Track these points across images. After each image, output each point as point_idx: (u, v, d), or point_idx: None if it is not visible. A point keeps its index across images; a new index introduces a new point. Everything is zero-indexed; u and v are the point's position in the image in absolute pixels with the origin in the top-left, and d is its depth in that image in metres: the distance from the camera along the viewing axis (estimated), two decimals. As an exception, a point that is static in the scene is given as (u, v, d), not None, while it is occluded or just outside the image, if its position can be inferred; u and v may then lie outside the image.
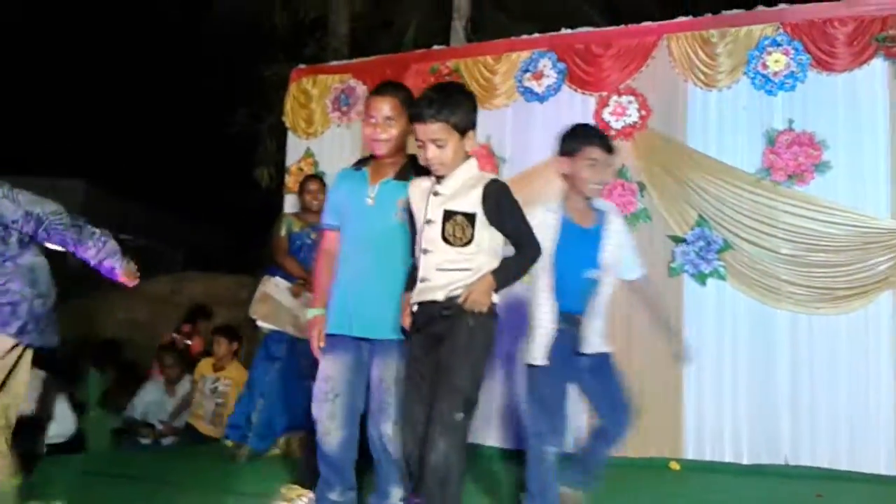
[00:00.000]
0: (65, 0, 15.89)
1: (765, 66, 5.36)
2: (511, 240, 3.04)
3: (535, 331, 3.41)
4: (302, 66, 7.16)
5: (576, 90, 5.88)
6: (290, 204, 6.63)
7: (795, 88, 5.31)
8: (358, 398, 3.33)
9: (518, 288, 3.33)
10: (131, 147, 18.25)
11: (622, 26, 5.93)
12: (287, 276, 5.48)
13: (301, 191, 5.74)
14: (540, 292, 3.41)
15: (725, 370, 5.28)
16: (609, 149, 3.46)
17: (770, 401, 5.17)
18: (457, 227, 2.97)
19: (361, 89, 6.59)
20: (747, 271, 5.30)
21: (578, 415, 4.29)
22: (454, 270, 2.97)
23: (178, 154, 16.91)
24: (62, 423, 5.81)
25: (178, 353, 7.51)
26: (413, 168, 3.28)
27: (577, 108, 5.84)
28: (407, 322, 3.09)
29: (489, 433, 5.70)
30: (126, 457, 6.18)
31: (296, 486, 3.95)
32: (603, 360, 3.48)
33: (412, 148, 3.20)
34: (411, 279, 3.11)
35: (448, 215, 2.99)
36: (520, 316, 3.57)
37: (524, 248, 3.05)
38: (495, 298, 3.00)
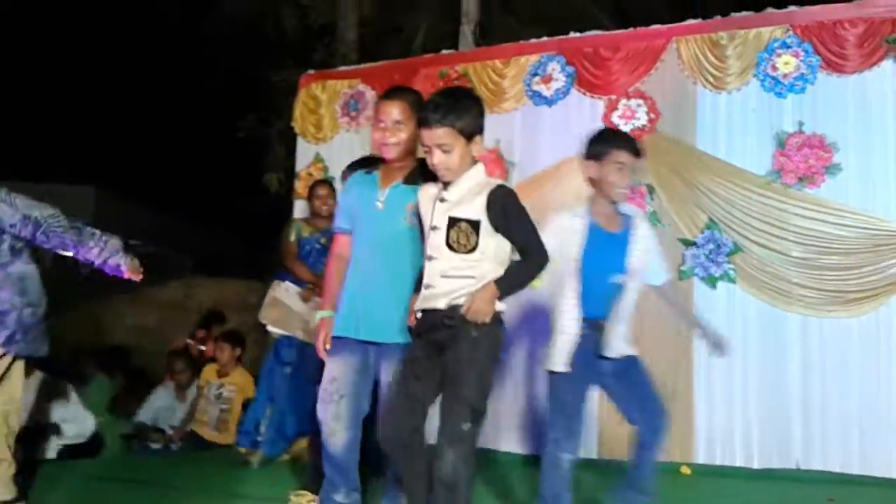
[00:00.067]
0: (75, 7, 15.95)
1: (774, 68, 5.35)
2: (517, 246, 3.00)
3: (558, 336, 3.36)
4: (311, 71, 7.19)
5: (584, 94, 5.88)
6: (299, 209, 6.64)
7: (805, 90, 5.30)
8: (363, 400, 3.33)
9: (541, 293, 3.30)
10: (141, 153, 18.31)
11: (631, 29, 5.93)
12: (297, 281, 5.48)
13: (310, 196, 5.74)
14: (565, 298, 3.36)
15: (736, 374, 5.26)
16: (636, 152, 3.42)
17: (781, 404, 5.15)
18: (461, 234, 2.95)
19: (370, 94, 6.59)
20: (758, 274, 5.28)
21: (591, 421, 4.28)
22: (458, 278, 2.94)
23: (188, 160, 16.95)
24: (80, 424, 5.83)
25: (189, 359, 7.51)
26: (422, 172, 3.28)
27: (585, 111, 5.84)
28: (413, 321, 3.08)
29: (507, 438, 5.67)
30: (136, 462, 6.18)
31: (305, 492, 3.96)
32: (629, 363, 3.42)
33: (422, 152, 3.20)
34: (420, 283, 3.10)
35: (452, 222, 2.96)
36: (543, 320, 3.53)
37: (531, 255, 3.01)
38: (502, 306, 2.98)
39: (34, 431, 5.44)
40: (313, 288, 5.33)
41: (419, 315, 3.04)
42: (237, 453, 5.52)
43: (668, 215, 5.51)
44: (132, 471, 5.43)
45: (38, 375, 5.49)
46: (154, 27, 14.44)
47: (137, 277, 3.88)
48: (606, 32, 6.17)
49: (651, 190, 5.56)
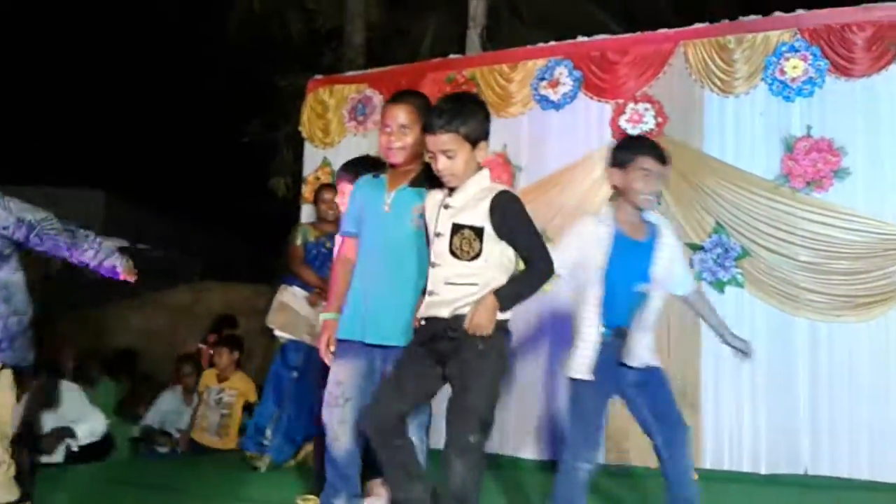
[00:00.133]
0: (85, 13, 16.03)
1: (782, 71, 5.33)
2: (521, 254, 2.97)
3: (580, 344, 3.30)
4: (318, 76, 7.20)
5: (592, 98, 5.87)
6: (307, 214, 6.64)
7: (813, 94, 5.28)
8: None
9: (564, 299, 3.25)
10: (151, 158, 18.39)
11: (638, 33, 5.93)
12: (303, 286, 5.48)
13: (316, 200, 5.74)
14: (587, 305, 3.30)
15: (744, 379, 5.22)
16: (662, 159, 3.36)
17: (789, 410, 5.12)
18: (464, 240, 2.93)
19: (378, 99, 6.59)
20: (766, 279, 5.26)
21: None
22: (462, 285, 2.93)
23: (197, 164, 17.01)
24: (93, 423, 5.82)
25: (197, 362, 7.52)
26: (429, 176, 3.27)
27: (593, 115, 5.83)
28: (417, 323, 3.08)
29: (525, 444, 5.65)
30: (143, 465, 6.20)
31: (311, 496, 3.96)
32: (651, 374, 3.34)
33: (427, 157, 3.20)
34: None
35: (456, 229, 2.95)
36: (564, 327, 3.49)
37: (535, 264, 2.97)
38: (507, 314, 2.95)
39: (48, 436, 5.46)
40: (320, 292, 5.33)
41: (422, 322, 3.03)
42: (244, 457, 5.52)
43: (675, 220, 5.46)
44: (139, 474, 5.44)
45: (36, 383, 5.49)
46: (164, 34, 14.50)
47: (133, 278, 3.87)
48: (614, 36, 6.17)
49: (658, 194, 5.54)
